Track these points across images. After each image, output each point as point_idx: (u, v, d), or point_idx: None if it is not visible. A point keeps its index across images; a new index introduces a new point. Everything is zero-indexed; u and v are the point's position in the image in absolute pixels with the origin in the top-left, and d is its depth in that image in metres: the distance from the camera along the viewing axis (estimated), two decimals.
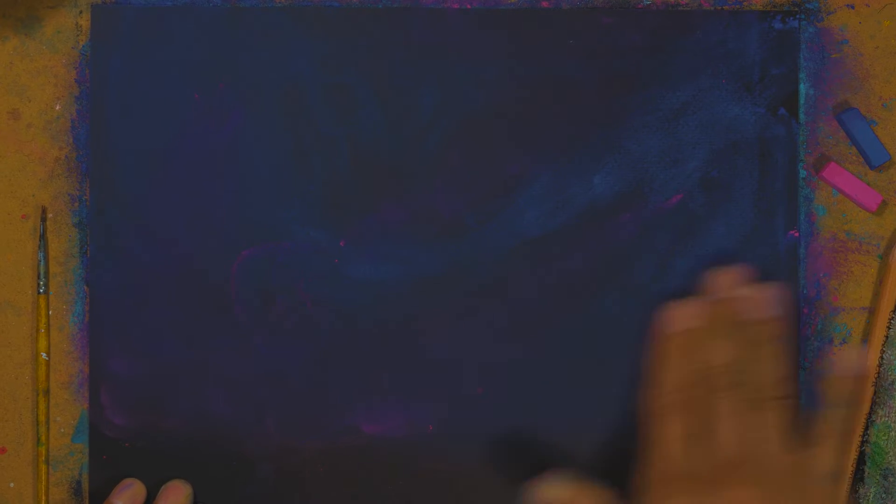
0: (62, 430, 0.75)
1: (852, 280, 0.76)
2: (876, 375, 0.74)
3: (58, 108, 0.76)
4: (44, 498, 0.75)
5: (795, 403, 0.72)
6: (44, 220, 0.75)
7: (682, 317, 0.71)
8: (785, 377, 0.70)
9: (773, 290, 0.71)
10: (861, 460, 0.75)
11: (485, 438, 0.75)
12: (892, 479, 0.75)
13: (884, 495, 0.75)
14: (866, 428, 0.75)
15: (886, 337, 0.74)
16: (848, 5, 0.76)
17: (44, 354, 0.75)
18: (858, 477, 0.75)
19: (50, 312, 0.75)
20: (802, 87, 0.76)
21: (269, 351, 0.75)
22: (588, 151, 0.76)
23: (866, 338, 0.76)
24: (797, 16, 0.75)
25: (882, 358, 0.74)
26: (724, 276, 0.72)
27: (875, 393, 0.74)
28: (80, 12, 0.76)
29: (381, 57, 0.75)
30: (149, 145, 0.75)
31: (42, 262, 0.75)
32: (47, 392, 0.75)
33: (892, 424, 0.74)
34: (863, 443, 0.75)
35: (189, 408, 0.75)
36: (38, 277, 0.75)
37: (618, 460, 0.75)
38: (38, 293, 0.75)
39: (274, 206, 0.75)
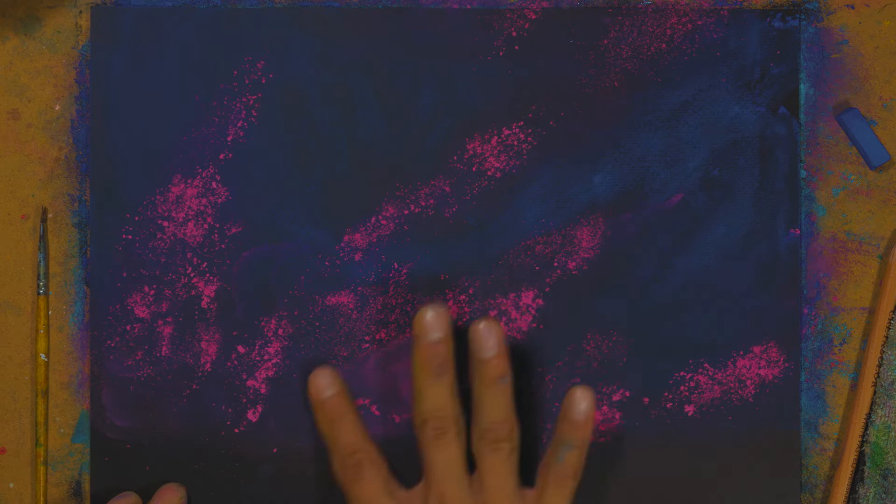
0: (62, 431, 0.75)
1: (852, 280, 0.76)
2: (876, 375, 0.74)
3: (58, 108, 0.76)
4: (42, 499, 0.75)
5: (518, 446, 0.70)
6: (44, 220, 0.75)
7: (320, 385, 0.70)
8: (511, 417, 0.69)
9: (493, 327, 0.69)
10: (861, 460, 0.75)
11: None
12: (892, 479, 0.75)
13: (884, 495, 0.75)
14: (866, 428, 0.75)
15: (886, 337, 0.74)
16: (848, 5, 0.76)
17: (42, 356, 0.75)
18: (858, 477, 0.75)
19: (50, 313, 0.75)
20: (802, 88, 0.76)
21: (269, 352, 0.75)
22: (588, 151, 0.76)
23: (866, 338, 0.76)
24: (797, 15, 0.75)
25: (882, 358, 0.74)
26: (430, 316, 0.69)
27: (875, 393, 0.74)
28: (80, 12, 0.76)
29: (381, 57, 0.75)
30: (149, 145, 0.75)
31: (42, 263, 0.75)
32: (46, 393, 0.75)
33: (892, 424, 0.74)
34: (863, 443, 0.75)
35: (190, 409, 0.75)
36: (38, 278, 0.75)
37: (615, 457, 0.75)
38: (38, 293, 0.75)
39: (274, 207, 0.75)
